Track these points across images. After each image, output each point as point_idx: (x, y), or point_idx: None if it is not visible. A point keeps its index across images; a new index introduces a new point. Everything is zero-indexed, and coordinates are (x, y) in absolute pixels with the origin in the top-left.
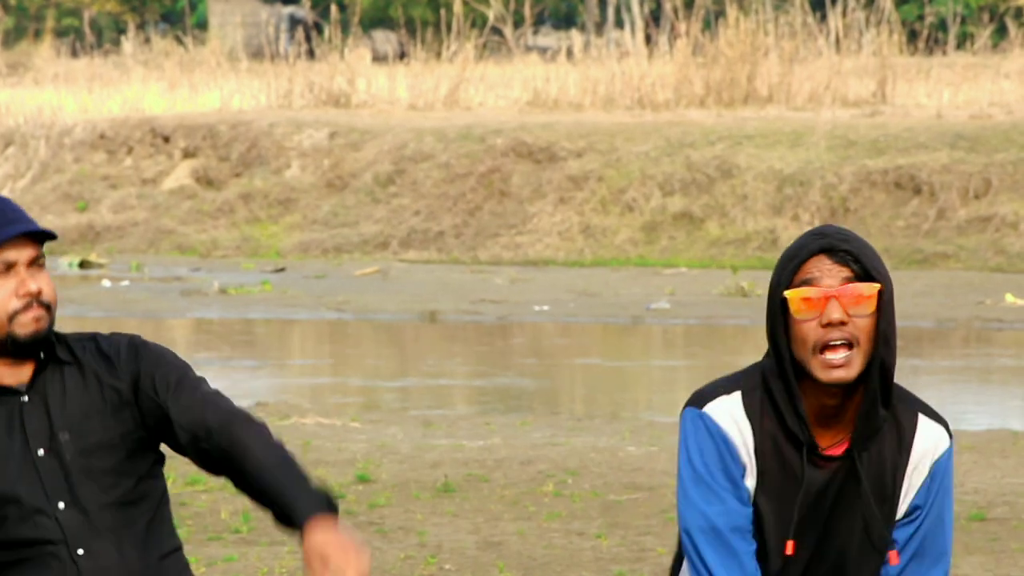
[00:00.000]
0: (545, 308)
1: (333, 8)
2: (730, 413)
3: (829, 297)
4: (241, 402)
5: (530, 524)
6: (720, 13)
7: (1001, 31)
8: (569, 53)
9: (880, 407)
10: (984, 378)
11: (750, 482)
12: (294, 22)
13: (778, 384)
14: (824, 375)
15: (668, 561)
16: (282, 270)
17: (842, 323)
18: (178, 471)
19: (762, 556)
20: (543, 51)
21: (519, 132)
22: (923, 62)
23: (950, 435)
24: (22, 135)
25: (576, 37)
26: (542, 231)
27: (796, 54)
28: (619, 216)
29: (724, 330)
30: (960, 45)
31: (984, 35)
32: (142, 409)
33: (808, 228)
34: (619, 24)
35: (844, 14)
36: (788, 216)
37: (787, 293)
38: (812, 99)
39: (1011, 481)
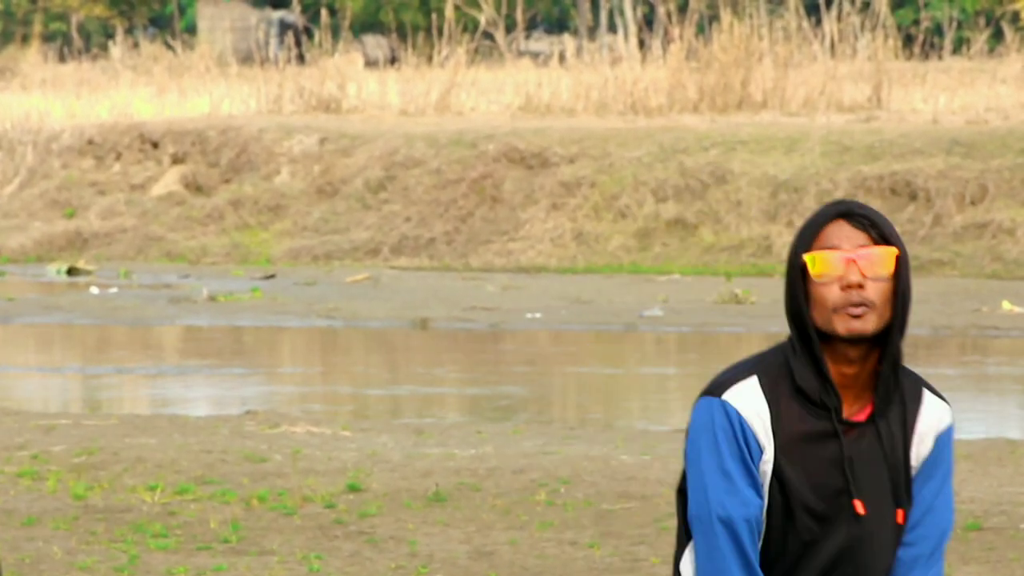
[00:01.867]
0: (537, 315)
1: (323, 12)
2: (747, 397)
3: (849, 260)
4: (230, 410)
5: (522, 533)
6: (714, 17)
7: (997, 36)
8: (562, 58)
9: (897, 373)
10: (981, 386)
11: (767, 465)
12: (284, 26)
13: (801, 352)
14: (844, 327)
15: (661, 571)
16: (272, 277)
17: (860, 286)
18: (166, 480)
19: (789, 533)
20: (535, 56)
21: (511, 138)
22: (919, 67)
23: (951, 415)
24: (9, 141)
25: (569, 42)
26: (534, 238)
27: (791, 59)
28: (612, 222)
29: (718, 338)
30: (956, 50)
31: (980, 40)
32: None
33: None
34: (612, 28)
35: (839, 18)
36: (783, 222)
37: (807, 256)
38: (807, 104)
39: (1008, 490)
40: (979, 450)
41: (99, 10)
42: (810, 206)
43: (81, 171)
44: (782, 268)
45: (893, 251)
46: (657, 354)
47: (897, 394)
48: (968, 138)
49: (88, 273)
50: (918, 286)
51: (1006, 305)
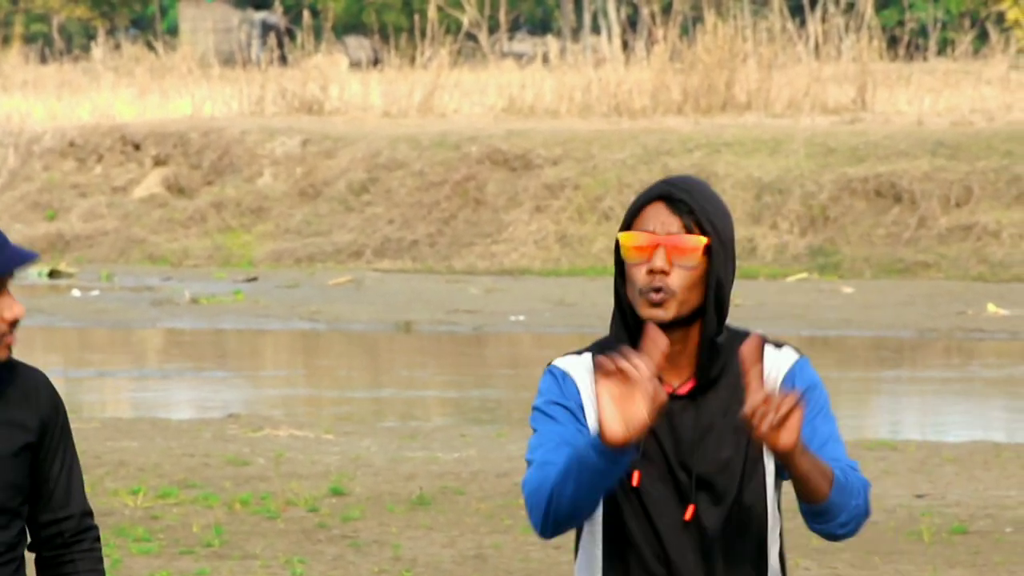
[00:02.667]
0: (521, 318)
1: (306, 14)
2: (574, 365)
3: (655, 246)
4: (213, 414)
5: (506, 537)
6: (698, 19)
7: (982, 37)
8: (545, 59)
9: (714, 352)
10: (966, 389)
11: (592, 423)
12: (266, 28)
13: (619, 326)
14: (644, 313)
15: None
16: (254, 279)
17: (663, 272)
18: (148, 484)
19: (647, 507)
20: (519, 57)
21: (494, 139)
22: (903, 68)
23: (798, 353)
24: None
25: (552, 43)
26: (518, 240)
27: (775, 60)
28: (596, 225)
29: None
30: (941, 51)
31: (965, 41)
32: (37, 456)
33: (788, 237)
34: (596, 30)
35: (823, 20)
36: (767, 225)
37: (619, 236)
38: (791, 106)
39: (993, 493)
40: (965, 453)
41: (80, 11)
42: (794, 208)
43: (62, 173)
44: (767, 270)
45: (702, 240)
46: None
47: (726, 364)
48: (953, 140)
49: (70, 275)
50: (903, 288)
51: (991, 307)
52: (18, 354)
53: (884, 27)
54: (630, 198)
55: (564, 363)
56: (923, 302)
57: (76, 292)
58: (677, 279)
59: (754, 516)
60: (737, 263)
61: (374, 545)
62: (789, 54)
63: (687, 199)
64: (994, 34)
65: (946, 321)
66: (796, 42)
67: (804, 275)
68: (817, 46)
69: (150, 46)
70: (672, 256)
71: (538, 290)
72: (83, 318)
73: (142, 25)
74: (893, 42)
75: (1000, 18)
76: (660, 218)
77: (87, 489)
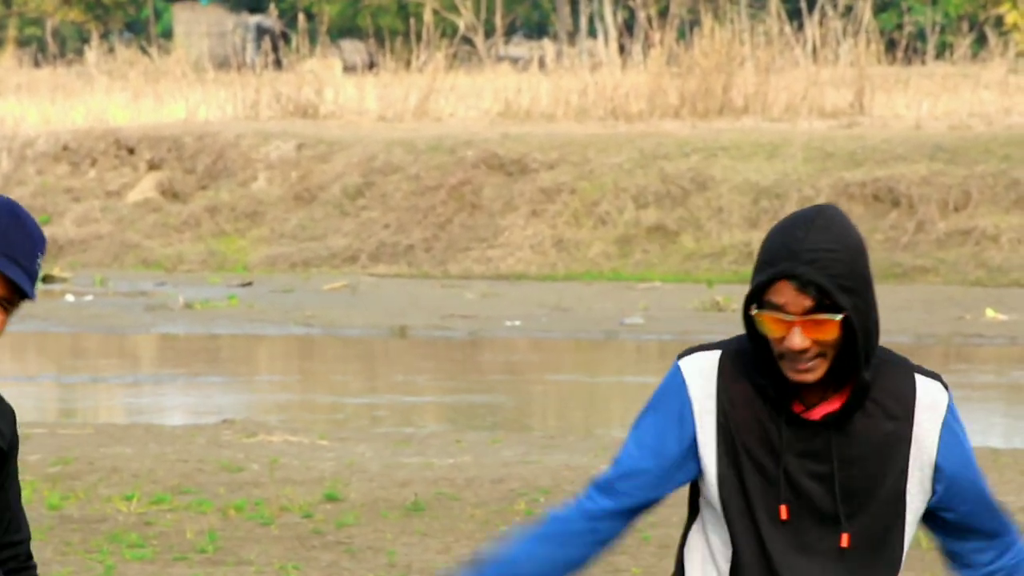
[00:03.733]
0: (517, 323)
1: (301, 17)
2: (702, 368)
3: (791, 325)
4: (207, 419)
5: None
6: (695, 22)
7: (980, 40)
8: (541, 63)
9: (862, 386)
10: (964, 395)
11: (708, 447)
12: (261, 31)
13: (757, 356)
14: (791, 376)
15: None
16: (249, 284)
17: (804, 349)
18: (142, 489)
19: (751, 521)
20: (515, 61)
21: (490, 144)
22: (901, 72)
23: (947, 389)
24: None
25: (548, 47)
26: (514, 245)
27: (772, 64)
28: (592, 229)
29: None
30: (939, 55)
31: (963, 45)
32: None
33: None
34: (592, 33)
35: (821, 23)
36: (764, 229)
37: (754, 314)
38: (788, 110)
39: None
40: None
41: (74, 15)
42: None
43: (56, 177)
44: None
45: (837, 318)
46: (638, 362)
47: (867, 397)
48: (951, 144)
49: (63, 280)
50: (901, 293)
51: (990, 312)
52: (14, 358)
53: (882, 31)
54: (627, 202)
55: (690, 364)
56: (921, 307)
57: (70, 297)
58: (819, 347)
59: (884, 549)
60: (736, 268)
61: (368, 551)
62: (787, 58)
63: (814, 278)
64: (992, 38)
65: (944, 326)
66: (794, 46)
67: None
68: (815, 50)
69: (144, 50)
70: (809, 333)
71: (534, 295)
72: (77, 323)
73: (136, 29)
74: (891, 46)
75: (999, 21)
76: (789, 297)
77: (80, 495)
